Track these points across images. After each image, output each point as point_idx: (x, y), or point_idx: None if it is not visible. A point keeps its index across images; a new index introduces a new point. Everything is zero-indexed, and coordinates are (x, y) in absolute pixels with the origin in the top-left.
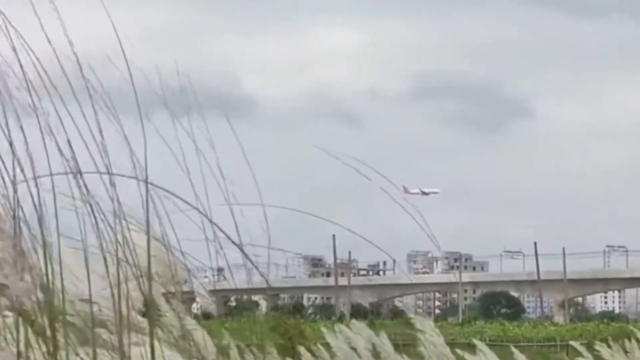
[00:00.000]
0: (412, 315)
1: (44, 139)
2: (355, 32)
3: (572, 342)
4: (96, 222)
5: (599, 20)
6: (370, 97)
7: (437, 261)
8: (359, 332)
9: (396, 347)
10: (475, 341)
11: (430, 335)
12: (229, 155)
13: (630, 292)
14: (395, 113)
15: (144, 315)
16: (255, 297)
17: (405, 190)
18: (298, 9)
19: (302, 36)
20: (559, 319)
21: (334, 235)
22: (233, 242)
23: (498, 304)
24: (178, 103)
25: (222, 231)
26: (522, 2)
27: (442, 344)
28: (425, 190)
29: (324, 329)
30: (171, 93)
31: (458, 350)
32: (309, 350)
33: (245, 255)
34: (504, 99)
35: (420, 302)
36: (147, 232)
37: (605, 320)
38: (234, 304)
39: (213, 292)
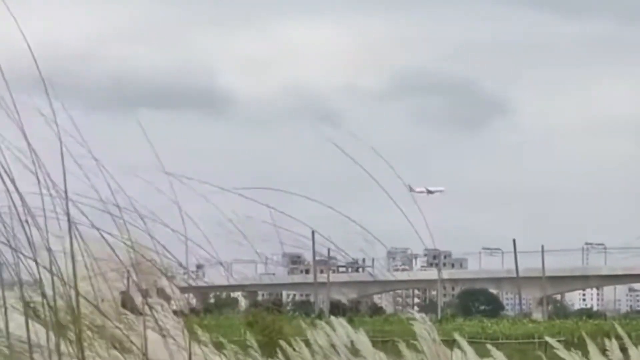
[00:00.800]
0: (413, 313)
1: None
2: (333, 28)
3: (547, 338)
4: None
5: (578, 18)
6: (347, 94)
7: (416, 258)
8: (338, 329)
9: (375, 343)
10: (457, 336)
11: (425, 331)
12: (208, 151)
13: (609, 290)
14: (372, 110)
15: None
16: (234, 294)
17: (411, 189)
18: (275, 5)
19: (278, 32)
20: (538, 316)
21: (313, 232)
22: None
23: (477, 301)
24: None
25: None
26: (505, 1)
27: (438, 340)
28: (431, 188)
29: (304, 325)
30: (145, 89)
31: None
32: (288, 346)
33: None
34: (483, 97)
35: (399, 299)
36: (69, 231)
37: (584, 318)
38: (213, 300)
39: (192, 289)
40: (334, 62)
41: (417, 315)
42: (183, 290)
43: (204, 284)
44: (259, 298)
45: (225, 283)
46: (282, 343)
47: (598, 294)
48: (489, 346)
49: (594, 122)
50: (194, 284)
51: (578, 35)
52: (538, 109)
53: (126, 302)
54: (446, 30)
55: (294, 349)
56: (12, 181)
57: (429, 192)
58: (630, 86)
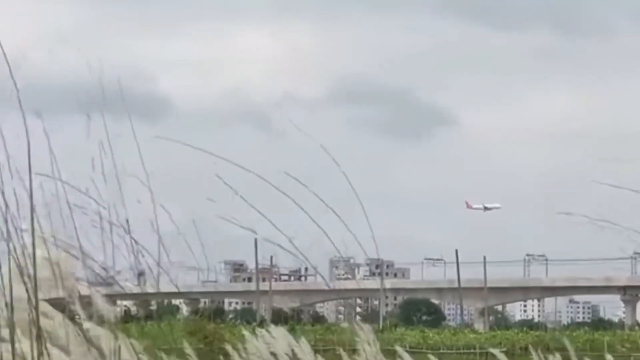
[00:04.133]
0: (357, 322)
1: None
2: (273, 35)
3: (491, 350)
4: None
5: (515, 29)
6: (285, 101)
7: (359, 267)
8: (279, 338)
9: (316, 352)
10: (397, 347)
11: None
12: (146, 156)
13: (550, 301)
14: (311, 118)
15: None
16: (176, 301)
17: (468, 206)
18: (214, 11)
19: (217, 38)
20: (479, 326)
21: (255, 240)
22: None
23: (419, 311)
24: (90, 104)
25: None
26: (439, 11)
27: (378, 351)
28: (488, 205)
29: (245, 333)
30: (84, 94)
31: None
32: (227, 354)
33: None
34: (422, 106)
35: (341, 308)
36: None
37: (525, 329)
38: (154, 307)
39: (134, 295)
40: (274, 69)
41: (361, 325)
42: (123, 297)
43: (145, 291)
44: (201, 305)
45: (166, 290)
46: (224, 351)
47: (539, 305)
48: (431, 356)
49: (535, 132)
50: (134, 290)
51: (513, 47)
52: (478, 119)
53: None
54: (385, 40)
55: (236, 357)
56: None
57: (486, 208)
58: (565, 96)
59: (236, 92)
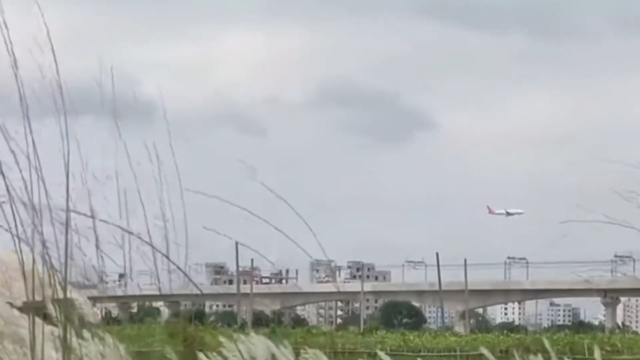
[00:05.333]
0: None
1: None
2: (257, 38)
3: (482, 350)
4: None
5: (496, 33)
6: (270, 104)
7: (340, 270)
8: (259, 342)
9: (297, 355)
10: (378, 351)
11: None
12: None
13: (530, 304)
14: (295, 121)
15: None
16: (156, 304)
17: (490, 211)
18: (199, 14)
19: (202, 41)
20: (460, 329)
21: (236, 243)
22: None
23: (399, 314)
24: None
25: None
26: (422, 14)
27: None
28: (510, 210)
29: (222, 339)
30: (69, 96)
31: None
32: (208, 357)
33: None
34: (405, 109)
35: (322, 311)
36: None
37: (505, 332)
38: (135, 310)
39: (114, 298)
40: (259, 72)
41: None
42: (104, 299)
43: (126, 293)
44: (182, 308)
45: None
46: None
47: (520, 308)
48: (411, 358)
49: (515, 135)
50: (115, 293)
51: (494, 50)
52: (460, 123)
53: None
54: (368, 44)
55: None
56: None
57: (508, 214)
58: (545, 99)
59: (221, 94)
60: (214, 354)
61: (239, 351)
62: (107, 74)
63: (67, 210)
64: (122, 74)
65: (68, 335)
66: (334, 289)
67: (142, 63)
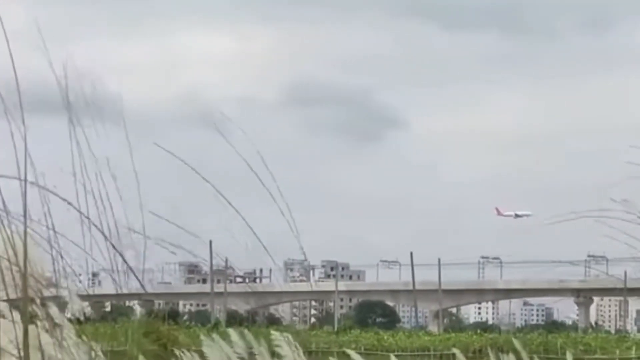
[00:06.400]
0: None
1: None
2: (228, 38)
3: (454, 350)
4: None
5: (471, 33)
6: (242, 104)
7: (313, 269)
8: (236, 340)
9: (271, 354)
10: (349, 350)
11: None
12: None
13: (504, 304)
14: (267, 121)
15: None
16: (130, 303)
17: (498, 213)
18: (170, 13)
19: (173, 40)
20: (434, 328)
21: (210, 242)
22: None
23: (373, 313)
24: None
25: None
26: (396, 14)
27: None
28: (519, 212)
29: (202, 337)
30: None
31: (332, 359)
32: (180, 357)
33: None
34: (378, 108)
35: (296, 310)
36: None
37: (479, 331)
38: (108, 309)
39: (87, 297)
40: (229, 71)
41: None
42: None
43: (99, 292)
44: (155, 307)
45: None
46: (177, 353)
47: (493, 308)
48: (385, 358)
49: (489, 135)
50: (88, 292)
51: (466, 49)
52: (432, 122)
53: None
54: (340, 43)
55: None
56: None
57: (517, 216)
58: (517, 99)
59: (191, 94)
60: (191, 353)
61: (218, 348)
62: (73, 72)
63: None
64: (88, 73)
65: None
66: (308, 288)
67: (112, 62)
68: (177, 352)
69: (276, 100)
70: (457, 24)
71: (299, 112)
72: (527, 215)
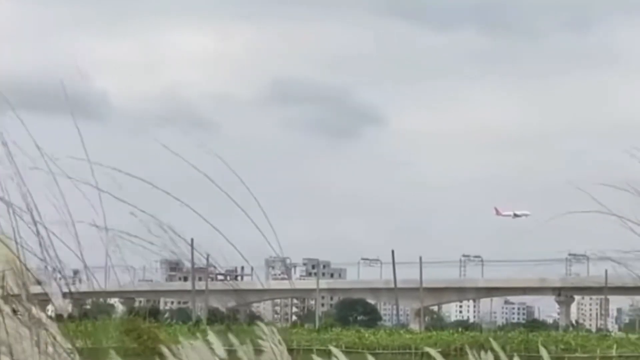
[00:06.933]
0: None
1: None
2: (210, 36)
3: (427, 349)
4: None
5: (452, 32)
6: (222, 102)
7: (295, 267)
8: (215, 338)
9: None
10: (331, 347)
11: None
12: (82, 155)
13: (485, 302)
14: (248, 118)
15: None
16: (111, 300)
17: (497, 212)
18: (152, 11)
19: (156, 38)
20: (415, 327)
21: (192, 239)
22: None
23: (355, 311)
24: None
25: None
26: (376, 13)
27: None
28: (517, 212)
29: (181, 338)
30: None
31: (314, 357)
32: (161, 354)
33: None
34: (358, 106)
35: (277, 308)
36: None
37: (460, 329)
38: (89, 306)
39: (68, 294)
40: (209, 69)
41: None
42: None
43: (80, 290)
44: (136, 305)
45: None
46: (160, 350)
47: (475, 306)
48: (366, 356)
49: (469, 134)
50: (70, 289)
51: (448, 48)
52: (412, 121)
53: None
54: (321, 41)
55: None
56: None
57: (516, 215)
58: (498, 97)
59: (172, 91)
60: (178, 348)
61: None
62: (57, 69)
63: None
64: (71, 70)
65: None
66: (289, 286)
67: (95, 59)
68: (158, 349)
69: (256, 98)
70: (438, 23)
71: (278, 110)
72: (525, 215)
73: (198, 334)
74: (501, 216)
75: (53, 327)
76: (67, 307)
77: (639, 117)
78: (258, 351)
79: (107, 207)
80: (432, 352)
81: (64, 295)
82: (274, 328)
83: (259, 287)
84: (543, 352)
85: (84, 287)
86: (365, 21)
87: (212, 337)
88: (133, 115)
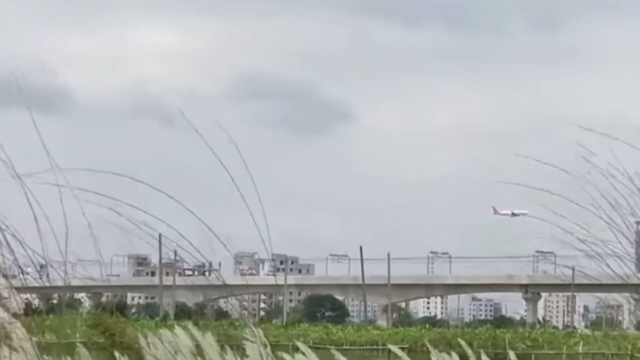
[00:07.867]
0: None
1: None
2: (175, 31)
3: (390, 346)
4: None
5: (419, 30)
6: (187, 97)
7: (263, 263)
8: (183, 333)
9: (222, 347)
10: (298, 343)
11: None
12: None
13: (453, 299)
14: (214, 114)
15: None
16: (78, 295)
17: (495, 211)
18: (117, 6)
19: (121, 33)
20: (382, 323)
21: (160, 234)
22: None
23: (323, 307)
24: None
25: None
26: (345, 8)
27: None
28: (516, 211)
29: (148, 332)
30: None
31: (281, 352)
32: (129, 348)
33: None
34: (326, 102)
35: (245, 304)
36: None
37: (427, 326)
38: (56, 301)
39: (35, 289)
40: (174, 64)
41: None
42: (23, 290)
43: (46, 284)
44: (104, 300)
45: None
46: (125, 345)
47: (442, 303)
48: (333, 351)
49: (436, 131)
50: (35, 284)
51: (416, 45)
52: (382, 118)
53: None
54: (289, 36)
55: (136, 352)
56: None
57: (514, 214)
58: (467, 95)
59: (138, 87)
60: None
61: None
62: (22, 63)
63: None
64: (35, 64)
65: None
66: (257, 282)
67: (60, 54)
68: (125, 344)
69: (222, 93)
70: (406, 20)
71: (245, 105)
72: (523, 214)
73: (165, 329)
74: (499, 215)
75: (15, 323)
76: (20, 303)
77: (606, 114)
78: (239, 348)
79: (68, 202)
80: (398, 350)
81: (20, 290)
82: (260, 329)
83: (227, 282)
84: (511, 354)
85: (50, 282)
86: (334, 16)
87: (179, 331)
88: (98, 109)
